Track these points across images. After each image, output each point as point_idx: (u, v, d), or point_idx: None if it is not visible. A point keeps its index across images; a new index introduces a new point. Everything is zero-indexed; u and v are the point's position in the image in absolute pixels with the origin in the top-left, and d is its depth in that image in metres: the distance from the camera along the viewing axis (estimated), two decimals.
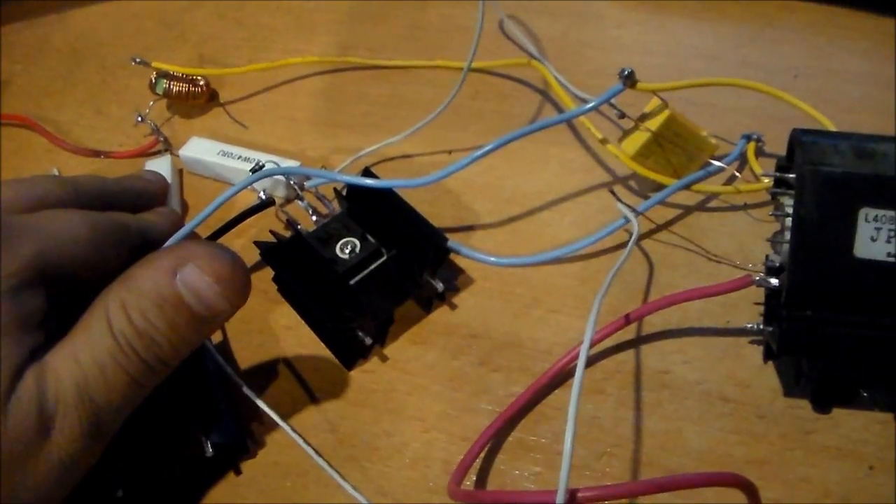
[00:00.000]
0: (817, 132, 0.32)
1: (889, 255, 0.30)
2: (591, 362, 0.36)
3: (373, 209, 0.38)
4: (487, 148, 0.34)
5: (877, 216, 0.30)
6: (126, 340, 0.26)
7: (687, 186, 0.37)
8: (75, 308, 0.27)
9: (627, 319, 0.34)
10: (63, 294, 0.28)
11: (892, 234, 0.30)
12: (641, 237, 0.39)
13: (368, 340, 0.36)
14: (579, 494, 0.24)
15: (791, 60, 0.44)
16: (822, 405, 0.34)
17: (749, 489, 0.26)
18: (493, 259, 0.38)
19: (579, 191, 0.42)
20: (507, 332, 0.37)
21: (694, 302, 0.36)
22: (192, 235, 0.34)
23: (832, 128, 0.39)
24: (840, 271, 0.30)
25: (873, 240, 0.30)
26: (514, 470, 0.33)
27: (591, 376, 0.36)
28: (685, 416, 0.34)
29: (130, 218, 0.33)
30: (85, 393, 0.25)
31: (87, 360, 0.25)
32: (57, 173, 0.45)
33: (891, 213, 0.30)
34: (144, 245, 0.32)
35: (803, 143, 0.31)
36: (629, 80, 0.36)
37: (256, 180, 0.35)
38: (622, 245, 0.39)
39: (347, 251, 0.37)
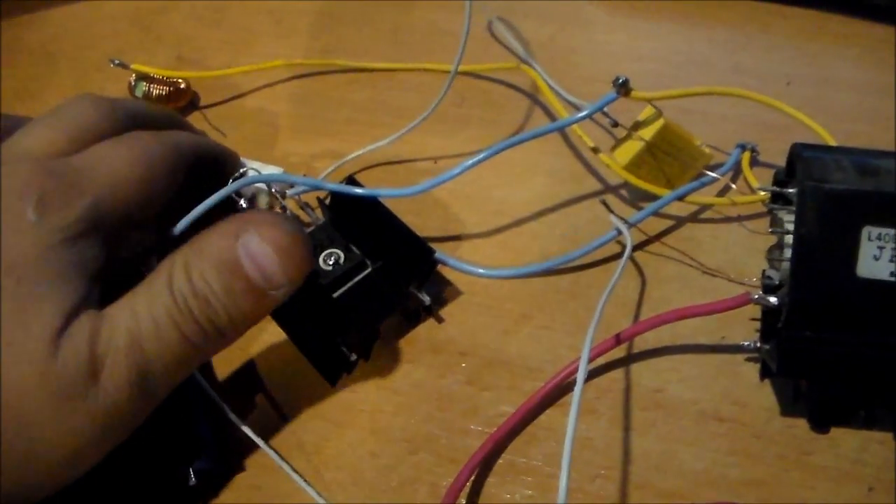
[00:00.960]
0: (818, 147, 0.31)
1: (892, 274, 0.29)
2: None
3: (357, 219, 0.37)
4: (479, 157, 0.33)
5: (880, 235, 0.29)
6: (183, 299, 0.26)
7: (681, 197, 0.36)
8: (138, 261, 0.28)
9: (618, 339, 0.33)
10: (121, 236, 0.28)
11: (895, 252, 0.29)
12: (633, 249, 0.38)
13: (353, 356, 0.34)
14: None
15: (784, 67, 0.43)
16: (821, 425, 0.34)
17: None
18: (481, 271, 0.37)
19: (570, 201, 0.41)
20: (496, 349, 0.36)
21: (696, 319, 0.35)
22: None
23: (827, 136, 0.38)
24: (842, 291, 0.29)
25: (876, 259, 0.29)
26: (505, 493, 0.32)
27: (583, 395, 0.34)
28: (680, 437, 0.34)
29: (182, 136, 0.31)
30: (137, 342, 0.25)
31: (143, 312, 0.25)
32: None
33: (894, 231, 0.29)
34: (199, 164, 0.31)
35: (805, 158, 0.30)
36: (623, 88, 0.35)
37: (237, 188, 0.33)
38: (614, 257, 0.38)
39: (331, 262, 0.36)
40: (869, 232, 0.29)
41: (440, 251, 0.38)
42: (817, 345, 0.30)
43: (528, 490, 0.33)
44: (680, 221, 0.39)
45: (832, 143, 0.37)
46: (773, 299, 0.31)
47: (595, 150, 0.38)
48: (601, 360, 0.35)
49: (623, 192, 0.41)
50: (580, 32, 0.49)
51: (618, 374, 0.35)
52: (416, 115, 0.43)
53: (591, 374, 0.35)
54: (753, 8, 0.46)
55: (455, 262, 0.38)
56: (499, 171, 0.42)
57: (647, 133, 0.36)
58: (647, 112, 0.37)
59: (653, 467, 0.33)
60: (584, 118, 0.35)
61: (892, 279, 0.29)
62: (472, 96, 0.46)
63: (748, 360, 0.35)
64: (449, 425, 0.35)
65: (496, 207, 0.41)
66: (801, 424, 0.34)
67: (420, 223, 0.39)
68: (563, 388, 0.34)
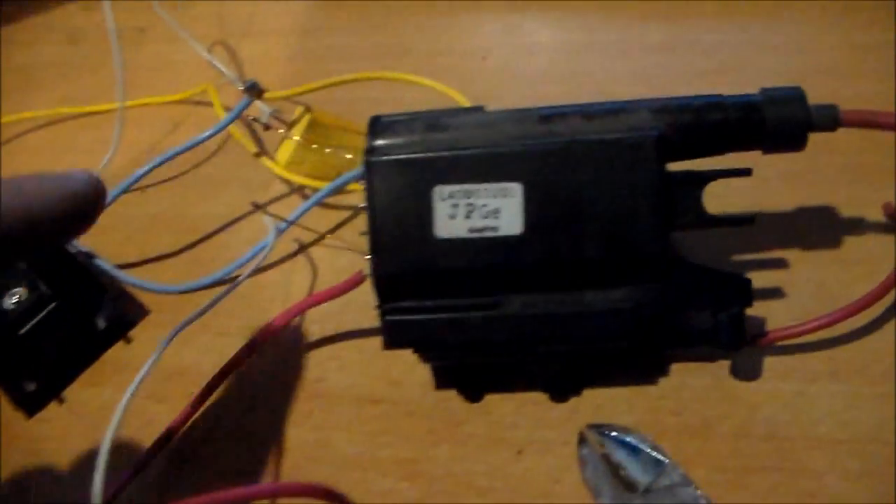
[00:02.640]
0: (396, 115, 0.31)
1: (471, 230, 0.29)
2: (246, 378, 0.36)
3: (44, 255, 0.38)
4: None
5: (451, 193, 0.29)
6: None
7: (340, 188, 0.36)
8: None
9: (252, 346, 0.33)
10: None
11: (471, 208, 0.29)
12: (308, 245, 0.38)
13: (33, 387, 0.35)
14: None
15: (482, 41, 0.43)
16: (472, 394, 0.33)
17: (335, 499, 0.26)
18: (157, 287, 0.38)
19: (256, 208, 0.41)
20: (177, 363, 0.37)
21: (350, 303, 0.35)
22: None
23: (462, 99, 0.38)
24: (424, 256, 0.29)
25: (452, 217, 0.29)
26: None
27: (247, 392, 0.35)
28: (335, 424, 0.34)
29: None
30: None
31: None
32: None
33: (464, 187, 0.29)
34: None
35: (375, 129, 0.30)
36: (253, 90, 0.35)
37: None
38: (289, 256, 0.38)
39: (14, 300, 0.37)
40: (440, 192, 0.29)
41: (135, 274, 0.39)
42: (418, 313, 0.30)
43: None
44: (357, 211, 0.39)
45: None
46: None
47: (257, 155, 0.38)
48: (271, 355, 0.36)
49: (307, 191, 0.41)
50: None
51: (281, 367, 0.36)
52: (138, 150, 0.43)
53: (254, 372, 0.36)
54: None
55: (136, 280, 0.38)
56: (195, 189, 0.42)
57: (298, 130, 0.36)
58: (298, 109, 0.37)
59: (306, 457, 0.33)
60: (216, 132, 0.36)
61: (472, 235, 0.29)
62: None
63: None
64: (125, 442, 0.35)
65: (188, 225, 0.41)
66: (456, 396, 0.33)
67: (112, 250, 0.40)
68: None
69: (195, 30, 0.46)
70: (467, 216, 0.29)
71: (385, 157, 0.29)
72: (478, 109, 0.31)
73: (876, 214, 0.33)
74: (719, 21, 0.38)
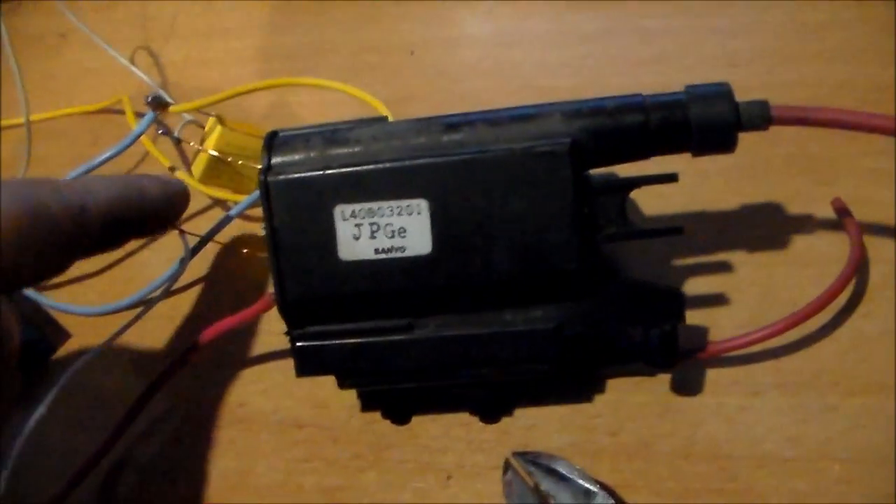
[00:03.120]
0: (294, 129, 0.29)
1: (377, 251, 0.27)
2: (167, 403, 0.34)
3: None
4: None
5: (353, 212, 0.27)
6: None
7: (256, 203, 0.34)
8: None
9: (173, 368, 0.32)
10: None
11: (375, 227, 0.27)
12: (228, 261, 0.36)
13: None
14: None
15: (409, 35, 0.40)
16: (397, 417, 0.31)
17: None
18: (77, 309, 0.36)
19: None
20: (97, 386, 0.36)
21: (271, 321, 0.33)
22: None
23: (379, 105, 0.35)
24: (329, 280, 0.27)
25: (356, 238, 0.27)
26: None
27: (168, 418, 0.34)
28: (258, 451, 0.32)
29: None
30: None
31: None
32: None
33: (366, 205, 0.27)
34: None
35: (271, 145, 0.28)
36: (157, 103, 0.33)
37: None
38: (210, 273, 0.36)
39: None
40: (342, 211, 0.27)
41: (53, 297, 0.38)
42: (328, 338, 0.28)
43: None
44: None
45: (384, 110, 0.34)
46: None
47: (172, 170, 0.36)
48: (190, 381, 0.34)
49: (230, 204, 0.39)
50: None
51: (205, 393, 0.34)
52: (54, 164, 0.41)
53: (173, 398, 0.34)
54: None
55: (56, 303, 0.36)
56: None
57: (210, 143, 0.34)
58: (209, 122, 0.35)
59: (228, 487, 0.32)
60: (121, 150, 0.34)
61: (379, 256, 0.27)
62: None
63: None
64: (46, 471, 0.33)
65: None
66: (382, 419, 0.31)
67: None
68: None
69: (118, 33, 0.43)
70: (372, 236, 0.27)
71: (282, 177, 0.27)
72: (380, 120, 0.29)
73: (825, 210, 0.31)
74: (658, 5, 0.36)
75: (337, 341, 0.28)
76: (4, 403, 0.27)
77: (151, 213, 0.29)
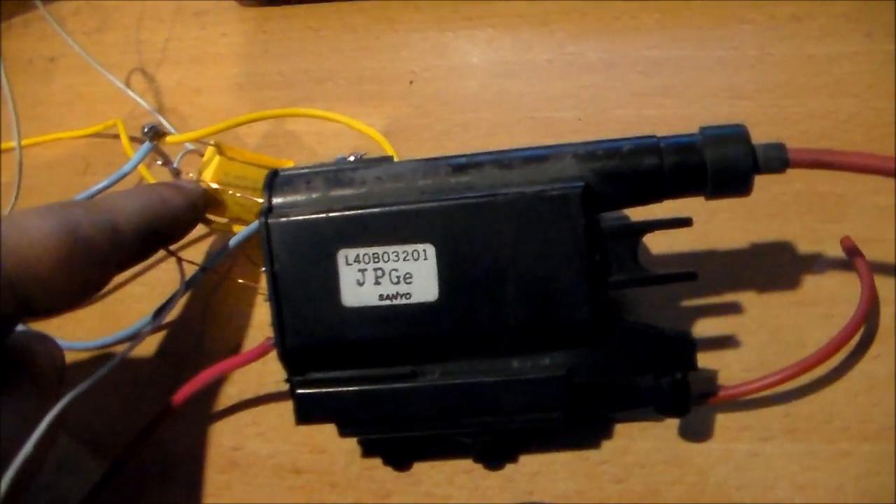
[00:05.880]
0: (296, 169, 0.28)
1: (382, 297, 0.26)
2: (160, 446, 0.33)
3: None
4: None
5: (357, 256, 0.26)
6: None
7: (255, 234, 0.33)
8: None
9: (167, 410, 0.30)
10: None
11: (380, 273, 0.26)
12: (225, 294, 0.35)
13: None
14: None
15: (408, 64, 0.39)
16: (398, 463, 0.30)
17: None
18: (66, 344, 0.34)
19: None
20: (85, 429, 0.34)
21: (269, 363, 0.32)
22: None
23: (386, 145, 0.35)
24: (332, 327, 0.26)
25: (360, 283, 0.26)
26: None
27: (161, 462, 0.33)
28: (254, 496, 0.31)
29: None
30: None
31: None
32: None
33: (371, 250, 0.26)
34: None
35: (272, 185, 0.27)
36: (153, 134, 0.32)
37: None
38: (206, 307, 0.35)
39: None
40: (346, 256, 0.26)
41: (39, 329, 0.35)
42: (330, 385, 0.27)
43: None
44: None
45: (389, 148, 0.34)
46: None
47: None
48: (185, 423, 0.33)
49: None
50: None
51: (194, 436, 0.33)
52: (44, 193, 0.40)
53: (166, 439, 0.33)
54: (385, 7, 0.42)
55: None
56: None
57: (209, 173, 0.33)
58: (208, 152, 0.34)
59: None
60: (120, 178, 0.32)
61: (383, 303, 0.26)
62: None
63: None
64: None
65: None
66: (382, 465, 0.30)
67: None
68: None
69: (110, 57, 0.42)
70: (376, 282, 0.26)
71: (283, 219, 0.26)
72: (386, 160, 0.28)
73: (833, 249, 0.30)
74: (661, 36, 0.35)
75: (338, 389, 0.27)
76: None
77: (175, 220, 0.30)
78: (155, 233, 0.29)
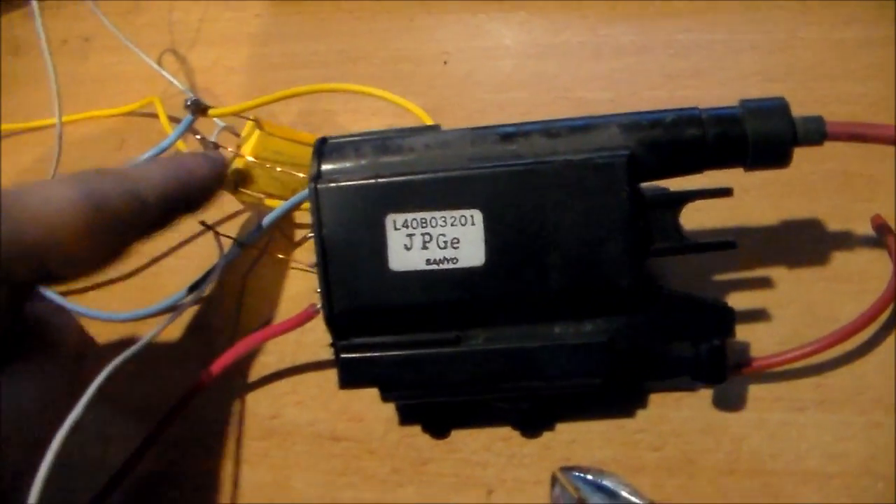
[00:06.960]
0: (344, 137, 0.28)
1: (429, 261, 0.26)
2: (198, 415, 0.33)
3: None
4: None
5: (406, 221, 0.27)
6: None
7: (293, 209, 0.33)
8: None
9: (205, 378, 0.31)
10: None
11: (427, 238, 0.26)
12: (262, 269, 0.35)
13: None
14: None
15: (442, 45, 0.40)
16: (437, 430, 0.31)
17: None
18: (103, 315, 0.35)
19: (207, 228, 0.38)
20: (124, 398, 0.34)
21: (308, 332, 0.32)
22: None
23: (422, 115, 0.35)
24: (379, 291, 0.27)
25: (408, 248, 0.27)
26: None
27: (199, 430, 0.33)
28: (293, 463, 0.32)
29: None
30: None
31: None
32: None
33: (419, 215, 0.26)
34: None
35: (321, 152, 0.28)
36: (196, 107, 0.33)
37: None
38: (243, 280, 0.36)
39: None
40: (394, 220, 0.27)
41: (75, 301, 0.37)
42: (375, 350, 0.28)
43: None
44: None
45: (428, 120, 0.34)
46: None
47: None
48: (222, 391, 0.34)
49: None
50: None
51: (231, 404, 0.33)
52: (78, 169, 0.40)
53: (203, 408, 0.33)
54: None
55: (80, 308, 0.36)
56: None
57: (248, 148, 0.34)
58: (247, 125, 0.34)
59: (263, 499, 0.31)
60: (162, 150, 0.33)
61: (430, 267, 0.26)
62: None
63: None
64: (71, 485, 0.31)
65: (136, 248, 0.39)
66: (420, 432, 0.31)
67: None
68: None
69: (144, 37, 0.43)
70: (424, 247, 0.27)
71: (332, 184, 0.27)
72: (433, 129, 0.28)
73: (864, 227, 0.31)
74: (693, 20, 0.36)
75: (383, 353, 0.28)
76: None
77: (201, 190, 0.30)
78: (179, 202, 0.28)
